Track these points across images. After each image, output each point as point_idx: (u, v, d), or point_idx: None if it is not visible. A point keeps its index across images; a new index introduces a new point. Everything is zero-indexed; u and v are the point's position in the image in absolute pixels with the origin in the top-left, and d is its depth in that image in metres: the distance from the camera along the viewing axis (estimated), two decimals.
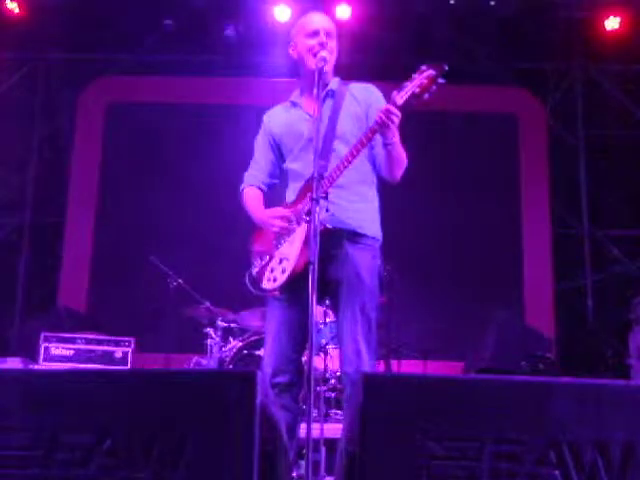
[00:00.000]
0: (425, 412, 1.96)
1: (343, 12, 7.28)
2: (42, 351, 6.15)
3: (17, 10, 7.45)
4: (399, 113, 2.92)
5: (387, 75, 7.91)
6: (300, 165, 3.20)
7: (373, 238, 3.17)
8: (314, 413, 4.69)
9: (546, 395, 1.99)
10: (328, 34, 3.20)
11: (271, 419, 2.83)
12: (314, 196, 2.74)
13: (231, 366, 5.79)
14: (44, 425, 1.99)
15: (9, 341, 6.94)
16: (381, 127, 2.93)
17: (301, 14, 7.24)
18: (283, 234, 3.12)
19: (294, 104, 3.32)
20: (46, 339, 6.20)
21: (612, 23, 7.48)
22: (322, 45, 3.13)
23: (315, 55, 3.11)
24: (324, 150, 3.10)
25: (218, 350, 6.11)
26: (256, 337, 6.01)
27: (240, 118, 7.92)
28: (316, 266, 2.61)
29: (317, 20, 3.24)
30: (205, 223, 7.91)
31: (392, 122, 2.92)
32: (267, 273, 3.13)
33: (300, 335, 3.07)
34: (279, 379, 3.06)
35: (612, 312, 7.48)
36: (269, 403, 2.92)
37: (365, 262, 3.11)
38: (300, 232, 3.04)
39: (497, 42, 7.77)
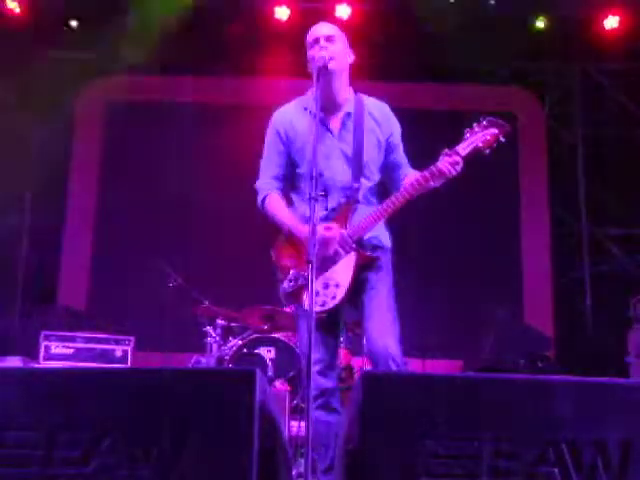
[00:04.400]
0: (424, 410, 1.97)
1: (343, 12, 7.29)
2: (42, 350, 6.15)
3: (17, 10, 7.44)
4: (462, 163, 3.09)
5: (386, 75, 7.96)
6: (317, 192, 3.20)
7: (387, 247, 3.31)
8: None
9: (545, 394, 2.00)
10: (328, 38, 3.20)
11: (270, 417, 2.84)
12: (312, 195, 2.74)
13: (231, 365, 5.80)
14: (44, 424, 1.99)
15: (9, 340, 6.94)
16: (442, 175, 3.07)
17: (301, 13, 7.24)
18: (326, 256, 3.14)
19: (322, 121, 3.22)
20: (46, 338, 6.20)
21: (611, 22, 7.47)
22: (323, 49, 3.14)
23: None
24: (354, 175, 3.18)
25: (218, 349, 6.12)
26: (256, 335, 6.01)
27: (240, 118, 7.93)
28: (314, 265, 2.62)
29: (316, 29, 3.26)
30: (205, 222, 7.91)
31: (455, 171, 3.09)
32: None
33: (334, 341, 3.25)
34: (326, 384, 3.16)
35: (611, 310, 7.48)
36: (269, 401, 2.93)
37: (388, 265, 3.25)
38: (349, 260, 3.11)
39: (496, 41, 7.75)
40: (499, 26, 7.49)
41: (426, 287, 7.62)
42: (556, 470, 1.95)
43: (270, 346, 5.91)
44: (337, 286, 3.10)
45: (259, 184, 3.36)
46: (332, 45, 3.19)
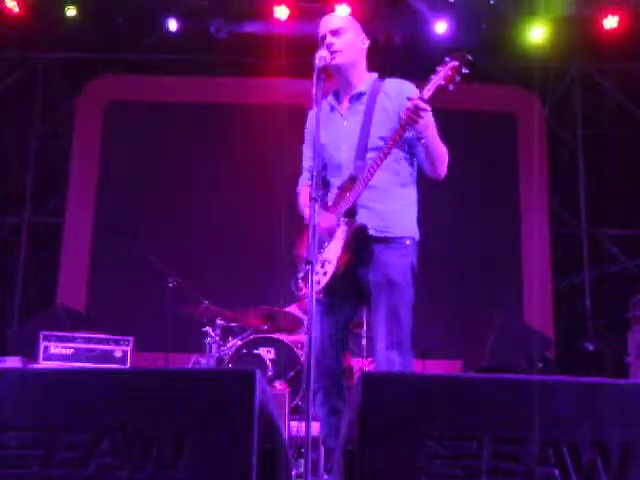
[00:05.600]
0: (424, 411, 1.96)
1: (342, 11, 7.28)
2: (41, 350, 6.14)
3: (16, 9, 7.43)
4: (427, 107, 2.93)
5: (385, 74, 7.96)
6: (334, 177, 3.21)
7: (403, 237, 3.19)
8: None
9: (545, 394, 1.99)
10: (334, 32, 3.19)
11: (270, 418, 2.84)
12: (313, 195, 2.74)
13: (230, 365, 5.79)
14: (43, 424, 1.98)
15: (8, 340, 6.93)
16: (409, 124, 2.94)
17: (301, 13, 7.25)
18: (325, 238, 3.11)
19: (332, 108, 3.30)
20: (45, 338, 6.19)
21: (611, 22, 7.47)
22: (327, 46, 3.13)
23: None
24: (360, 153, 3.12)
25: (217, 349, 6.11)
26: (255, 336, 6.01)
27: (240, 118, 7.93)
28: (314, 266, 2.61)
29: (322, 25, 3.25)
30: (205, 222, 7.91)
31: (420, 117, 2.92)
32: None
33: (341, 336, 3.17)
34: (326, 382, 3.10)
35: (611, 311, 7.48)
36: (268, 402, 2.93)
37: (394, 261, 3.12)
38: (340, 234, 3.07)
39: (496, 41, 7.76)
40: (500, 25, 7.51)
41: (426, 287, 7.60)
42: (556, 471, 1.94)
43: (270, 346, 5.90)
44: (329, 262, 3.05)
45: (300, 179, 3.43)
46: (339, 38, 3.18)
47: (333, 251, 3.06)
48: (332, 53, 3.12)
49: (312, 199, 2.73)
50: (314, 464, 3.42)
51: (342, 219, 3.05)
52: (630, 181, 7.85)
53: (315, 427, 4.14)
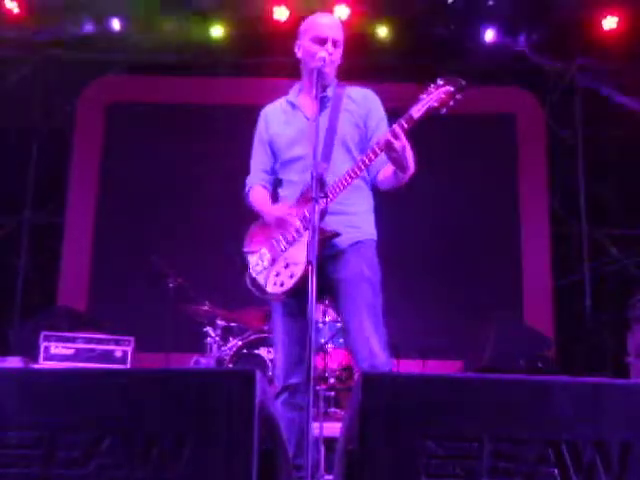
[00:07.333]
0: (424, 411, 1.97)
1: (341, 13, 7.28)
2: (42, 350, 6.15)
3: (17, 10, 7.44)
4: (403, 140, 2.88)
5: (385, 76, 7.95)
6: (296, 176, 3.20)
7: (368, 240, 3.21)
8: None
9: (545, 394, 1.99)
10: (335, 43, 3.19)
11: (270, 418, 2.84)
12: (314, 195, 2.74)
13: (230, 365, 5.80)
14: (44, 424, 1.99)
15: (9, 340, 6.94)
16: (387, 148, 2.91)
17: (300, 14, 7.23)
18: (286, 236, 3.11)
19: (293, 105, 3.31)
20: (46, 338, 6.20)
21: (609, 23, 7.48)
22: (326, 52, 3.13)
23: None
24: (325, 154, 3.12)
25: (217, 349, 6.11)
26: (256, 336, 6.01)
27: (240, 118, 7.92)
28: (315, 265, 2.61)
29: (327, 27, 3.21)
30: (205, 223, 7.91)
31: (398, 140, 2.86)
32: (272, 277, 3.11)
33: (306, 337, 3.11)
34: (291, 380, 3.08)
35: (611, 311, 7.48)
36: (268, 402, 2.93)
37: (365, 258, 3.14)
38: (306, 238, 3.03)
39: (496, 42, 7.76)
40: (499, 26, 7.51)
41: (426, 287, 7.63)
42: (556, 470, 1.94)
43: (270, 347, 5.90)
44: (295, 264, 3.04)
45: (247, 179, 3.42)
46: (337, 50, 3.20)
47: (301, 253, 2.99)
48: (330, 61, 3.13)
49: (312, 199, 2.73)
50: (314, 464, 3.42)
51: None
52: (630, 181, 7.85)
53: (315, 426, 4.14)
